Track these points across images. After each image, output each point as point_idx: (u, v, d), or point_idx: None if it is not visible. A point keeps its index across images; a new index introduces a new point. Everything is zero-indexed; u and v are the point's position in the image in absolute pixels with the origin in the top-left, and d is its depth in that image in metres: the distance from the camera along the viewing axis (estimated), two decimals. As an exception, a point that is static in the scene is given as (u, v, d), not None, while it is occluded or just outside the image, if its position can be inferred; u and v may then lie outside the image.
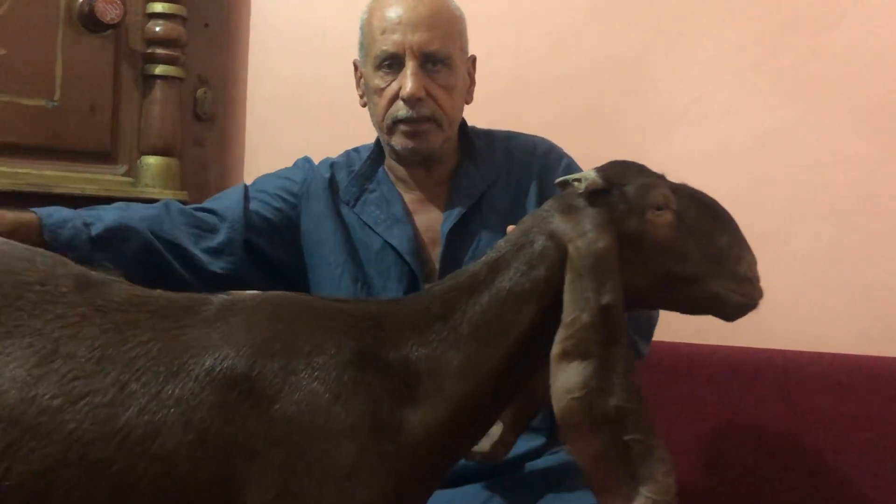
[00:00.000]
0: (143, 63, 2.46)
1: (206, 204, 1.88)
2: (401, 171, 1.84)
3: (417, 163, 1.80)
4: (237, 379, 1.17)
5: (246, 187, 1.90)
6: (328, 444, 1.16)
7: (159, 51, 2.45)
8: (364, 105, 1.87)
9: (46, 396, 1.14)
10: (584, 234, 1.22)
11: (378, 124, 1.81)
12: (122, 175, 2.43)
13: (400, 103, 1.74)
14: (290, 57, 2.69)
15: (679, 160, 2.35)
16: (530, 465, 1.70)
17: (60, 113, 2.30)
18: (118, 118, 2.42)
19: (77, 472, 1.13)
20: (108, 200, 2.34)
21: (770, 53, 2.35)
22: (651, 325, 1.70)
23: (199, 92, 2.60)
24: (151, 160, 2.44)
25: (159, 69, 2.45)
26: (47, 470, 1.13)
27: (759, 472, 2.07)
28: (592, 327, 1.18)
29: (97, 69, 2.36)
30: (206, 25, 2.62)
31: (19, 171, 2.23)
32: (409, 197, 1.84)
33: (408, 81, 1.72)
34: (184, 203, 2.43)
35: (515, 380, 1.28)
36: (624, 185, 1.28)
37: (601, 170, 1.29)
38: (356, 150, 1.95)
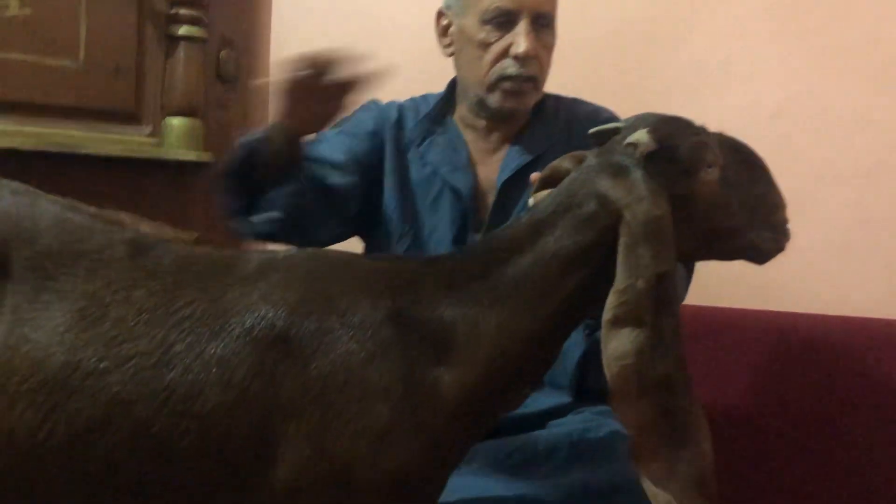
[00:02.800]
0: (167, 24, 2.46)
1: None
2: (471, 121, 1.84)
3: (501, 119, 1.81)
4: (275, 338, 1.18)
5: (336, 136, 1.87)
6: (362, 405, 1.16)
7: (183, 11, 2.45)
8: (450, 55, 1.85)
9: (93, 359, 1.16)
10: (640, 200, 1.18)
11: (475, 79, 1.78)
12: (147, 136, 2.44)
13: (508, 61, 1.73)
14: (314, 18, 2.68)
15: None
16: (554, 423, 1.71)
17: (85, 73, 2.31)
18: (142, 79, 2.43)
19: (120, 432, 1.15)
20: (133, 161, 2.37)
21: (796, 16, 2.32)
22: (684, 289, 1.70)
23: (223, 53, 2.60)
24: (175, 121, 2.45)
25: (183, 30, 2.46)
26: (91, 430, 1.15)
27: (785, 437, 2.06)
28: (648, 294, 1.16)
29: (121, 30, 2.37)
30: (230, -14, 2.61)
31: (44, 131, 2.25)
32: (475, 147, 1.84)
33: (522, 40, 1.71)
34: (208, 164, 2.47)
35: (553, 342, 1.27)
36: (675, 146, 1.24)
37: (653, 131, 1.24)
38: (424, 97, 1.93)
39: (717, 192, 1.25)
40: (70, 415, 1.15)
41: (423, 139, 1.85)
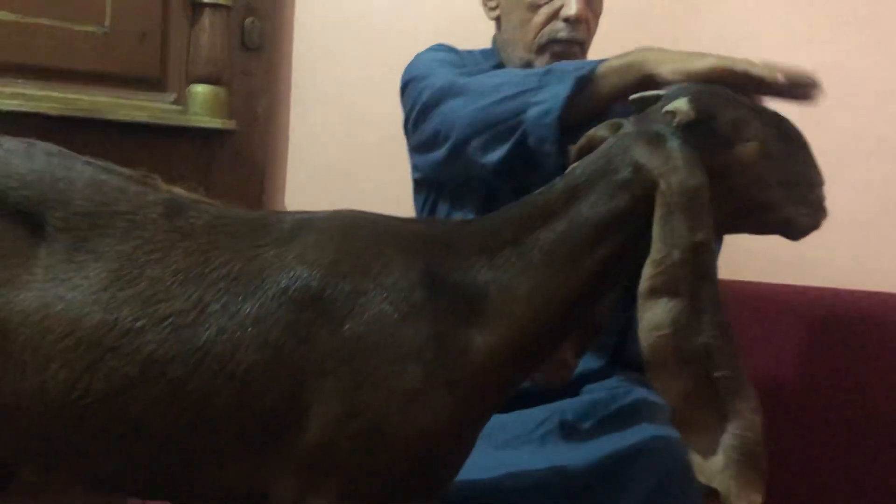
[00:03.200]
0: (192, -10, 2.45)
1: None
2: None
3: None
4: (310, 299, 1.19)
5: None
6: (394, 366, 1.17)
7: (208, -22, 2.44)
8: (494, 18, 1.84)
9: (129, 319, 1.18)
10: (676, 170, 1.17)
11: (522, 41, 1.76)
12: (171, 103, 2.44)
13: (560, 24, 1.72)
14: (339, -13, 2.67)
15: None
16: (586, 389, 1.71)
17: (110, 39, 2.31)
18: (167, 46, 2.43)
19: (155, 390, 1.17)
20: (157, 128, 2.37)
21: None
22: None
23: (247, 21, 2.58)
24: (200, 88, 2.44)
25: (208, -4, 2.45)
26: (126, 388, 1.17)
27: (811, 410, 2.06)
28: (684, 265, 1.15)
29: (147, -4, 2.36)
30: (255, -46, 2.60)
31: (69, 96, 2.26)
32: None
33: (574, 2, 1.70)
34: (233, 132, 2.46)
35: (583, 308, 1.27)
36: (715, 117, 1.23)
37: (693, 100, 1.23)
38: (470, 52, 1.90)
39: (755, 167, 1.24)
40: (105, 373, 1.17)
41: None
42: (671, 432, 1.42)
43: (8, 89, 2.19)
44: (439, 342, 1.19)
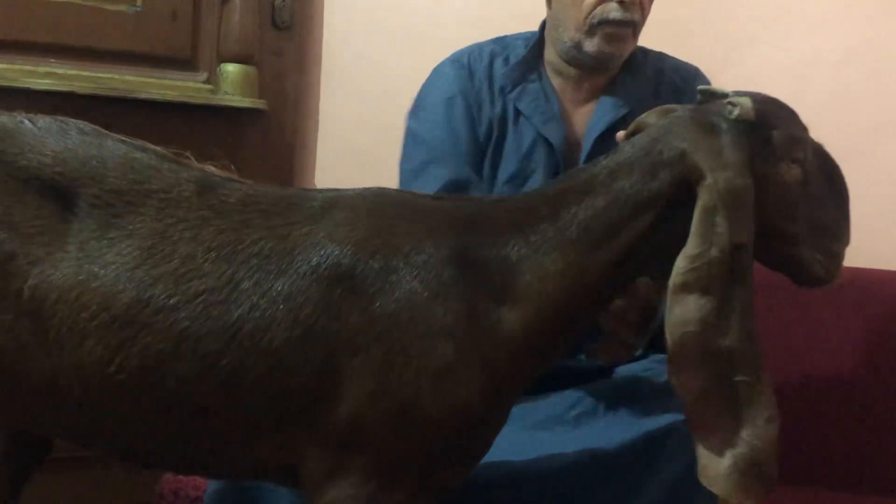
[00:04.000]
0: (224, -30, 2.45)
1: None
2: (563, 68, 1.80)
3: (595, 67, 1.76)
4: (341, 276, 1.19)
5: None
6: (426, 342, 1.17)
7: (239, -42, 2.44)
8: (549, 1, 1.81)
9: (163, 296, 1.19)
10: (725, 167, 1.17)
11: (573, 22, 1.72)
12: (203, 82, 2.45)
13: (612, 4, 1.68)
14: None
15: (765, 72, 2.31)
16: (621, 370, 1.71)
17: (142, 18, 2.31)
18: (198, 25, 2.43)
19: (188, 365, 1.18)
20: (188, 107, 2.37)
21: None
22: None
23: (278, 1, 2.59)
24: (231, 68, 2.44)
25: (239, -24, 2.44)
26: (160, 363, 1.18)
27: (837, 389, 2.05)
28: (721, 264, 1.15)
29: (178, -25, 2.36)
30: (285, -67, 2.60)
31: (101, 75, 2.26)
32: (565, 97, 1.80)
33: None
34: (263, 112, 2.47)
35: (616, 285, 1.27)
36: (774, 128, 1.22)
37: (757, 102, 1.22)
38: (514, 38, 1.88)
39: (793, 190, 1.23)
40: (140, 349, 1.18)
41: (515, 86, 1.80)
42: None
43: (40, 68, 2.20)
44: (470, 319, 1.19)
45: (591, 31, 1.70)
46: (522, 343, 1.22)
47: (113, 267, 1.19)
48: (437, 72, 1.87)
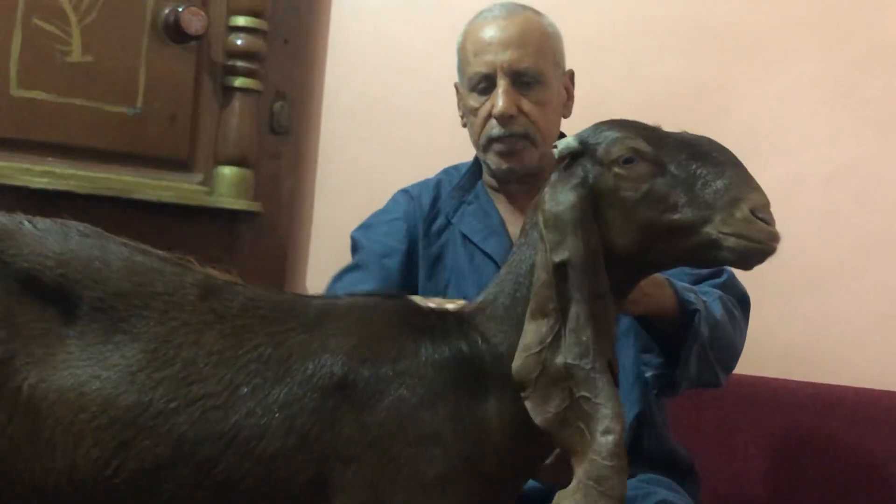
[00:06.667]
0: (224, 75, 2.49)
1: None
2: (494, 184, 1.88)
3: (515, 181, 1.83)
4: (335, 386, 1.21)
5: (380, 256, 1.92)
6: (414, 450, 1.18)
7: (240, 63, 2.49)
8: (464, 125, 1.90)
9: (163, 400, 1.19)
10: (545, 200, 1.24)
11: (475, 144, 1.84)
12: (198, 184, 2.47)
13: (493, 122, 1.77)
14: (367, 73, 2.71)
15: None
16: None
17: (141, 120, 2.35)
18: (197, 127, 2.46)
19: (185, 470, 1.17)
20: (184, 208, 2.39)
21: (849, 86, 2.34)
22: (732, 355, 1.68)
23: (276, 105, 2.63)
24: (227, 170, 2.47)
25: (239, 81, 2.49)
26: (157, 468, 1.18)
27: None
28: (548, 285, 1.19)
29: (179, 79, 2.40)
30: (286, 41, 2.64)
31: (99, 175, 2.29)
32: (505, 209, 1.87)
33: (499, 99, 1.75)
34: (257, 214, 2.49)
35: None
36: (597, 144, 1.26)
37: (583, 132, 1.29)
38: (456, 167, 1.98)
39: (644, 188, 1.23)
40: (137, 453, 1.17)
41: (456, 210, 1.89)
42: None
43: (38, 167, 2.22)
44: (455, 422, 1.21)
45: (485, 149, 1.81)
46: (505, 437, 1.23)
47: (116, 370, 1.20)
48: (390, 200, 1.99)
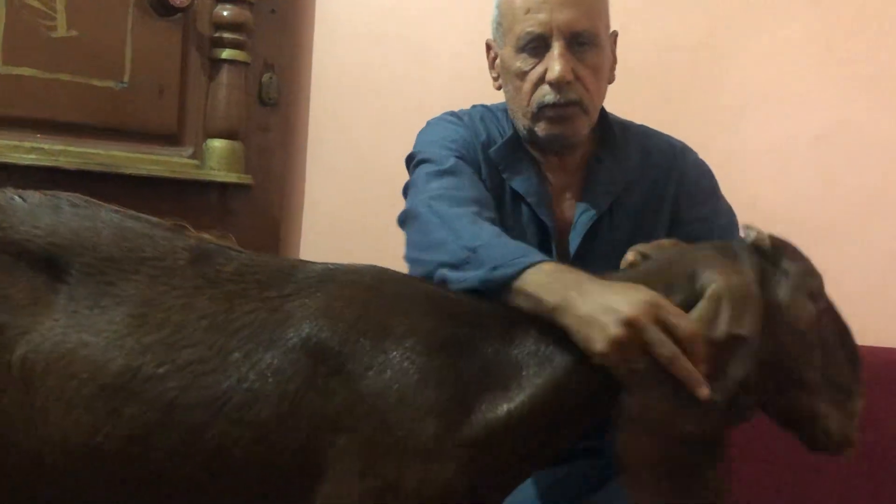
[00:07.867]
0: (211, 47, 2.48)
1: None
2: (536, 150, 1.71)
3: (555, 150, 1.68)
4: (329, 353, 1.19)
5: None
6: (413, 423, 1.16)
7: (227, 35, 2.47)
8: (499, 88, 1.74)
9: (152, 365, 1.18)
10: (739, 273, 1.19)
11: (520, 110, 1.66)
12: (188, 157, 2.46)
13: (546, 87, 1.61)
14: (355, 43, 2.70)
15: (745, 151, 2.34)
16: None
17: (129, 94, 2.33)
18: (185, 101, 2.45)
19: (175, 436, 1.16)
20: (174, 182, 2.38)
21: (840, 44, 2.33)
22: None
23: (265, 77, 2.61)
24: (217, 143, 2.47)
25: (226, 53, 2.48)
26: (148, 434, 1.16)
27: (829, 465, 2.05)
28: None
29: (166, 52, 2.39)
30: (273, 11, 2.63)
31: (88, 150, 2.27)
32: (551, 177, 1.72)
33: (555, 64, 1.58)
34: (249, 186, 2.48)
35: (600, 390, 1.23)
36: (789, 259, 1.25)
37: (774, 237, 1.26)
38: (487, 108, 1.79)
39: (807, 328, 1.23)
40: (127, 419, 1.16)
41: (507, 165, 1.70)
42: None
43: (27, 143, 2.21)
44: (459, 404, 1.19)
45: (535, 117, 1.63)
46: (509, 433, 1.20)
47: (104, 335, 1.19)
48: (437, 123, 1.77)
